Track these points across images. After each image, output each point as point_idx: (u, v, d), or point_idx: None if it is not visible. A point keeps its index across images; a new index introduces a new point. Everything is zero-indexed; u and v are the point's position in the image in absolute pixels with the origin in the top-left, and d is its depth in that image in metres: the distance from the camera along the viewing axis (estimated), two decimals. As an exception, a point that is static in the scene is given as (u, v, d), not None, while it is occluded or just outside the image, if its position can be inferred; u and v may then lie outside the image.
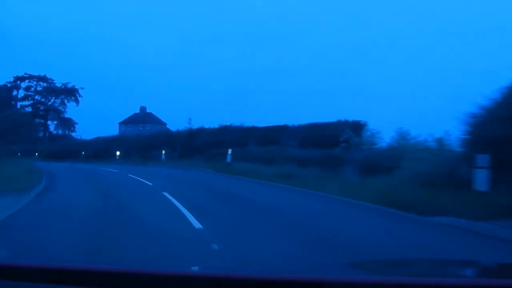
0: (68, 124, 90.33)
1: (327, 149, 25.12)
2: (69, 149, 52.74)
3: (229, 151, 25.54)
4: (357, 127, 26.13)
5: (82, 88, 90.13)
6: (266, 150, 27.49)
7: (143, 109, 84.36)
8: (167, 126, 68.46)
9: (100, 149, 46.41)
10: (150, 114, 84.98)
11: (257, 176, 20.23)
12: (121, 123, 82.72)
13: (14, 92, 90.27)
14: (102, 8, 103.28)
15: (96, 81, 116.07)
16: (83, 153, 50.17)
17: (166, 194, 12.51)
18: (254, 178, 20.12)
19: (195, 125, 37.24)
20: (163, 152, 34.70)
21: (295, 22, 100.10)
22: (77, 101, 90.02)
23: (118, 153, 42.83)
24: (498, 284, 1.73)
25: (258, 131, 32.50)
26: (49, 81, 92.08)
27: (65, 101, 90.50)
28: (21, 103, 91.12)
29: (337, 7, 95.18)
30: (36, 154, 61.30)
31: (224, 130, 34.36)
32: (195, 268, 2.18)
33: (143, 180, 17.54)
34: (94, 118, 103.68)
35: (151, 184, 16.26)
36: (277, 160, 25.00)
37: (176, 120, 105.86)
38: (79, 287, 1.60)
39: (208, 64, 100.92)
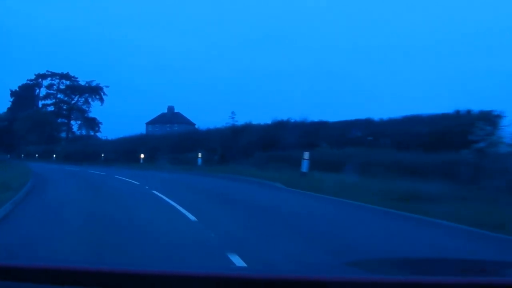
0: (92, 124, 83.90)
1: (443, 152, 16.83)
2: (88, 151, 45.63)
3: (306, 155, 17.12)
4: (486, 119, 17.55)
5: (107, 87, 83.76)
6: (347, 153, 19.18)
7: (170, 108, 78.30)
8: (196, 126, 62.02)
9: (123, 151, 38.95)
10: (178, 114, 78.45)
11: (362, 198, 12.07)
12: (148, 123, 76.27)
13: (36, 91, 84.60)
14: (129, 10, 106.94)
15: (121, 81, 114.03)
16: (102, 155, 42.90)
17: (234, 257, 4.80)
18: (358, 201, 11.95)
19: (239, 121, 29.06)
20: (200, 155, 26.81)
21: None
22: (101, 100, 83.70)
23: (142, 156, 35.26)
24: (497, 282, 1.70)
25: (328, 127, 24.09)
26: (73, 79, 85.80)
27: (89, 100, 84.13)
28: (42, 102, 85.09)
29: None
30: (54, 156, 54.54)
31: (279, 127, 26.09)
32: (195, 269, 1.92)
33: (180, 209, 9.50)
34: (119, 118, 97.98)
35: (194, 219, 8.24)
36: (369, 168, 16.75)
37: (204, 121, 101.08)
38: (79, 287, 1.57)
39: (233, 65, 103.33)
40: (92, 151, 44.29)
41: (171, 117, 76.42)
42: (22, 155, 66.17)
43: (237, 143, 26.65)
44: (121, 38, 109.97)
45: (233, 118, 28.38)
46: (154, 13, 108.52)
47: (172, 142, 32.23)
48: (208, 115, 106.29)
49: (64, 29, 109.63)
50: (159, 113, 79.51)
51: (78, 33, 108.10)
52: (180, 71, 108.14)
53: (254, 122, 28.03)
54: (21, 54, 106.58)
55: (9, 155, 74.41)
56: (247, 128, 27.60)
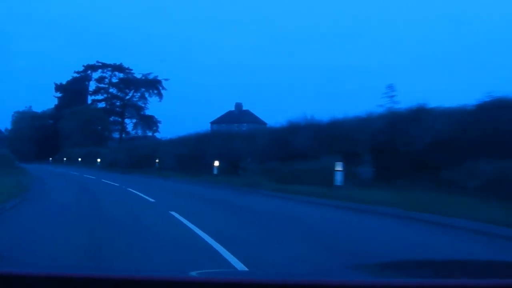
0: (149, 122, 72.74)
1: None
2: (139, 155, 33.88)
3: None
4: None
5: (167, 80, 72.35)
6: None
7: (238, 106, 67.68)
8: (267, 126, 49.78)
9: (185, 155, 26.69)
10: (246, 112, 66.85)
11: None
12: (212, 123, 64.82)
13: (85, 85, 74.80)
14: (192, 9, 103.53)
15: (182, 80, 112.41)
16: (157, 161, 30.90)
17: None
18: None
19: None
20: (340, 167, 13.57)
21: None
22: (160, 95, 72.24)
23: (216, 163, 22.66)
24: (504, 284, 1.66)
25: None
26: (127, 71, 75.13)
27: (146, 95, 72.90)
28: (92, 97, 74.57)
29: None
30: (98, 160, 43.48)
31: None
32: (193, 273, 1.84)
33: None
34: (180, 118, 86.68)
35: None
36: None
37: (275, 121, 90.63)
38: None
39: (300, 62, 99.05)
40: (145, 155, 32.37)
41: (239, 115, 65.58)
42: (64, 159, 56.09)
43: (405, 144, 13.52)
44: (184, 37, 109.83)
45: (391, 96, 14.97)
46: (215, 12, 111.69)
47: (268, 141, 19.42)
48: (278, 114, 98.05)
49: (125, 28, 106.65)
50: (225, 111, 68.94)
51: (138, 32, 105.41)
52: (244, 70, 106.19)
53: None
54: (70, 47, 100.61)
55: (51, 159, 65.55)
56: (422, 115, 14.21)
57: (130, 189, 15.68)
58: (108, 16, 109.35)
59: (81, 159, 48.87)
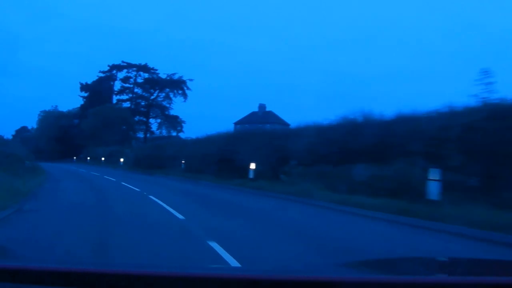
0: (173, 122, 70.67)
1: None
2: (163, 155, 31.10)
3: None
4: None
5: (191, 80, 70.59)
6: None
7: (262, 107, 64.67)
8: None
9: (214, 155, 23.71)
10: (270, 113, 63.93)
11: None
12: (236, 123, 62.22)
13: (110, 84, 72.80)
14: (212, 13, 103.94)
15: (205, 83, 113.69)
16: (183, 162, 28.01)
17: None
18: None
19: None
20: (436, 176, 10.21)
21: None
22: (185, 95, 70.32)
23: (252, 165, 19.55)
24: (498, 282, 1.68)
25: None
26: (151, 71, 73.36)
27: (171, 95, 71.35)
28: (117, 97, 72.63)
29: None
30: (122, 160, 41.08)
31: None
32: (192, 269, 1.95)
33: None
34: (203, 119, 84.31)
35: None
36: None
37: (297, 123, 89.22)
38: None
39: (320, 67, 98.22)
40: (170, 156, 29.53)
41: (262, 116, 62.68)
42: (88, 158, 53.99)
43: None
44: (205, 40, 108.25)
45: (488, 85, 11.46)
46: (236, 15, 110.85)
47: (317, 140, 16.09)
48: (300, 116, 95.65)
49: (148, 31, 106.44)
50: (248, 112, 66.11)
51: (161, 35, 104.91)
52: (266, 72, 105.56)
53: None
54: (97, 49, 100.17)
55: (75, 158, 63.67)
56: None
57: (153, 198, 12.76)
58: (132, 20, 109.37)
59: (104, 159, 46.64)
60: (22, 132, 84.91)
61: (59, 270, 1.61)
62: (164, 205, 10.86)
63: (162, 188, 17.39)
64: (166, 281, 1.54)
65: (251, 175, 19.46)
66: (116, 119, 62.99)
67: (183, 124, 70.63)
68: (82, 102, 73.09)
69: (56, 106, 76.13)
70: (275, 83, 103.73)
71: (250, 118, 63.18)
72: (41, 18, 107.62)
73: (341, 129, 15.38)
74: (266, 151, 19.25)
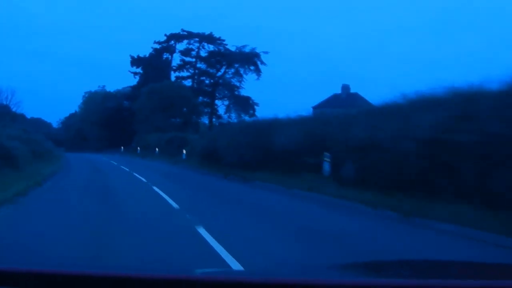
0: (245, 105, 56.18)
1: None
2: (271, 142, 16.34)
3: None
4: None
5: (266, 53, 55.60)
6: None
7: (345, 88, 53.25)
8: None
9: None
10: (355, 95, 51.39)
11: None
12: (315, 107, 49.13)
13: (168, 58, 59.55)
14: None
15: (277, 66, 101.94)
16: (327, 161, 13.17)
17: None
18: None
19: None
20: None
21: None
22: (258, 71, 55.70)
23: None
24: (496, 285, 1.70)
25: None
26: (218, 42, 59.44)
27: (241, 71, 57.14)
28: (176, 73, 58.71)
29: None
30: (184, 152, 27.13)
31: None
32: (190, 272, 1.88)
33: None
34: (277, 103, 69.13)
35: None
36: None
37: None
38: None
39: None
40: (288, 144, 14.75)
41: (346, 99, 51.16)
42: (138, 148, 40.63)
43: None
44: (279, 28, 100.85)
45: None
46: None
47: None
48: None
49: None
50: (329, 94, 54.24)
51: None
52: (344, 57, 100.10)
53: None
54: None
55: (122, 148, 50.96)
56: None
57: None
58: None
59: (160, 149, 32.99)
60: (70, 119, 74.18)
61: (42, 272, 1.57)
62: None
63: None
64: (163, 284, 1.53)
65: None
66: (176, 99, 49.46)
67: (255, 107, 56.23)
68: (132, 80, 60.19)
69: (104, 86, 64.07)
70: (354, 67, 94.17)
71: (332, 101, 51.26)
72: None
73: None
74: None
